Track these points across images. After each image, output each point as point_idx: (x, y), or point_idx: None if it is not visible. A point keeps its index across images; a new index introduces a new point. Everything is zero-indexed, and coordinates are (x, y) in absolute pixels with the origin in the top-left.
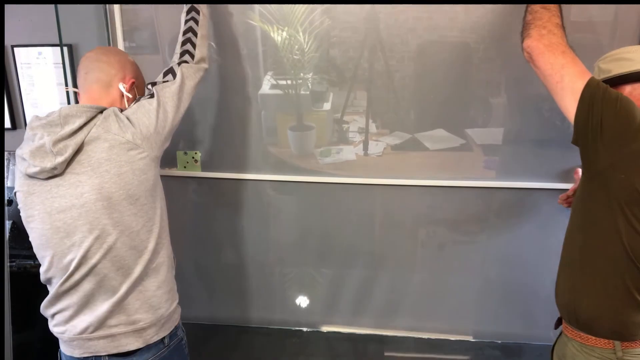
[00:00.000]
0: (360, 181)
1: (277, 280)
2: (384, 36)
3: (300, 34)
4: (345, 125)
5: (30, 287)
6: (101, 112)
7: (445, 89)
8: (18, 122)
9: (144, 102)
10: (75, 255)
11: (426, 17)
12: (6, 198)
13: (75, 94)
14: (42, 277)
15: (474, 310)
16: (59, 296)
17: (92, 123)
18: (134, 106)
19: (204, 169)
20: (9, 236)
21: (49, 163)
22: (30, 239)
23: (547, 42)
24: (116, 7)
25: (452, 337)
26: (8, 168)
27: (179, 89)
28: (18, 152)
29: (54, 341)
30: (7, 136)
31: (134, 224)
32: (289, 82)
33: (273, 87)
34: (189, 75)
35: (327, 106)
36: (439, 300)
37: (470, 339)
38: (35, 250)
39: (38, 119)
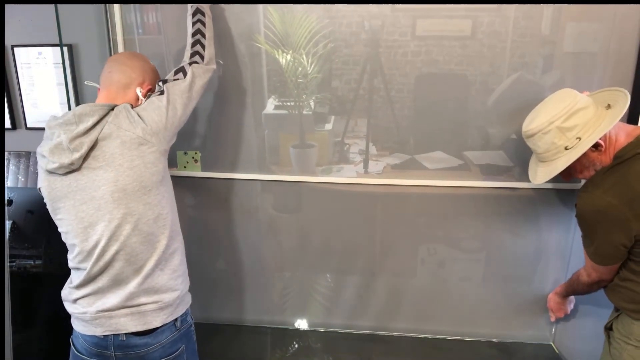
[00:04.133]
0: (361, 181)
1: (277, 280)
2: (383, 69)
3: (304, 57)
4: (346, 146)
5: (30, 287)
6: (112, 109)
7: (443, 118)
8: (18, 122)
9: (154, 98)
10: (98, 244)
11: (424, 50)
12: (6, 198)
13: (79, 86)
14: (71, 264)
15: (471, 310)
16: (90, 279)
17: (104, 120)
18: (144, 103)
19: (204, 169)
20: (9, 236)
21: (67, 159)
22: (59, 229)
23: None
24: (116, 7)
25: (449, 337)
26: (8, 168)
27: (189, 87)
28: (38, 150)
29: (54, 340)
30: (7, 136)
31: (148, 212)
32: (292, 103)
33: (277, 107)
34: (199, 74)
35: (328, 127)
36: (437, 300)
37: (467, 338)
38: (64, 239)
39: (55, 119)
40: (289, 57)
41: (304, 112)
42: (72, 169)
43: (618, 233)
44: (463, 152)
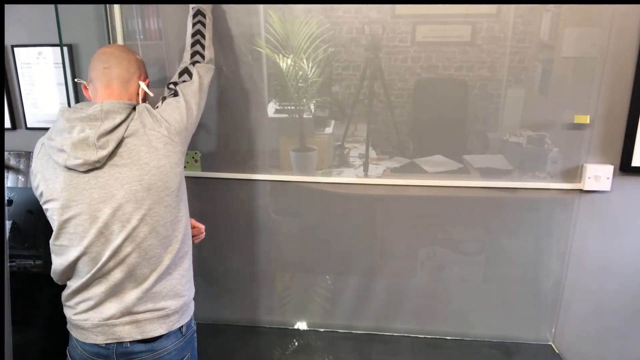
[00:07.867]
0: (361, 181)
1: (278, 280)
2: (383, 74)
3: (304, 61)
4: (345, 149)
5: (30, 287)
6: (134, 108)
7: (443, 123)
8: (18, 122)
9: (171, 100)
10: (110, 245)
11: (424, 56)
12: (6, 198)
13: (79, 85)
14: (67, 267)
15: (471, 310)
16: (88, 285)
17: (129, 118)
18: (162, 104)
19: (204, 169)
20: (9, 236)
21: (93, 156)
22: (58, 229)
23: None
24: (116, 7)
25: (449, 337)
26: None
27: (198, 87)
28: (51, 143)
29: (54, 340)
30: (7, 136)
31: (167, 215)
32: (292, 107)
33: (277, 111)
34: (203, 74)
35: (328, 130)
36: (437, 300)
37: (467, 338)
38: (65, 240)
39: (74, 112)
40: (289, 61)
41: (304, 115)
42: (95, 167)
43: None
44: (462, 156)
